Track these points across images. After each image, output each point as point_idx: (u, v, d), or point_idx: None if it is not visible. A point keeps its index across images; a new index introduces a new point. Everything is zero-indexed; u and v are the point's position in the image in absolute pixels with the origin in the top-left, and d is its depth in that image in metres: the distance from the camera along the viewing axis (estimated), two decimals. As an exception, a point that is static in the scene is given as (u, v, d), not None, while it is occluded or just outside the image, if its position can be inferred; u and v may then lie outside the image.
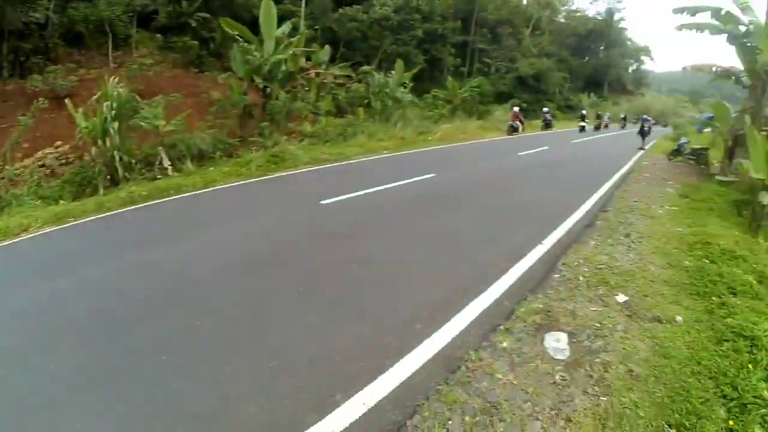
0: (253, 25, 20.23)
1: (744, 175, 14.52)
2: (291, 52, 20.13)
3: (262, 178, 13.62)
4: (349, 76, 28.53)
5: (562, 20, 67.87)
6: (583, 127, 34.55)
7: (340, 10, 37.93)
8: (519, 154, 19.10)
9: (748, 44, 13.82)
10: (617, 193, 11.78)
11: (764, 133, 12.47)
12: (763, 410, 3.52)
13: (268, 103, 20.18)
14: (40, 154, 17.38)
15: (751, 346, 4.28)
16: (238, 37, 19.44)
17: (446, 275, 6.05)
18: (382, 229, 8.35)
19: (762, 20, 13.41)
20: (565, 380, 3.85)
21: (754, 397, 3.64)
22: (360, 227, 8.54)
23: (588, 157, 20.05)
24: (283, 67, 20.32)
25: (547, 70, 45.85)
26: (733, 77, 15.16)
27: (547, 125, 35.02)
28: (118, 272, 6.60)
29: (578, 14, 69.06)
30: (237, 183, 12.98)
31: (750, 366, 3.98)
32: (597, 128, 38.11)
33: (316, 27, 35.27)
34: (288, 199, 11.36)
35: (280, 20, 20.80)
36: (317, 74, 24.94)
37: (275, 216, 9.43)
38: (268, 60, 19.23)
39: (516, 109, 31.52)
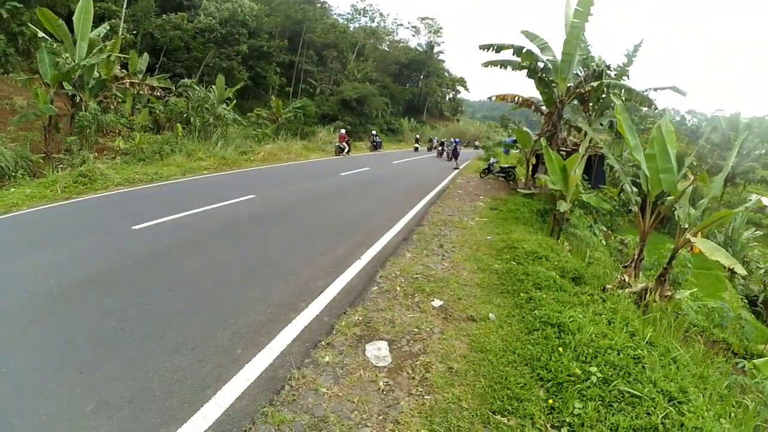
0: (69, 22, 17.39)
1: (545, 187, 16.52)
2: (105, 56, 18.15)
3: (70, 200, 12.12)
4: (168, 89, 26.54)
5: (386, 48, 71.97)
6: (417, 147, 41.31)
7: (164, 16, 36.09)
8: (341, 174, 19.36)
9: (546, 78, 16.09)
10: (432, 209, 12.55)
11: (562, 153, 14.87)
12: (579, 386, 3.80)
13: (77, 115, 17.67)
14: None
15: (559, 332, 4.71)
16: (46, 36, 17.13)
17: (266, 295, 5.77)
18: (197, 252, 7.63)
19: (558, 58, 15.31)
20: (389, 385, 3.96)
21: (568, 375, 3.94)
22: (174, 251, 7.66)
23: (408, 176, 21.32)
24: (96, 74, 18.37)
25: (370, 95, 47.83)
26: (533, 105, 17.63)
27: (375, 147, 36.65)
28: None
29: (401, 44, 73.85)
30: (41, 207, 11.19)
31: (560, 349, 4.33)
32: (429, 149, 42.33)
33: (135, 32, 33.24)
34: (97, 224, 9.76)
35: (99, 20, 18.72)
36: (132, 84, 22.96)
37: (83, 243, 7.89)
38: (79, 64, 17.02)
39: (342, 131, 32.53)
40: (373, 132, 38.73)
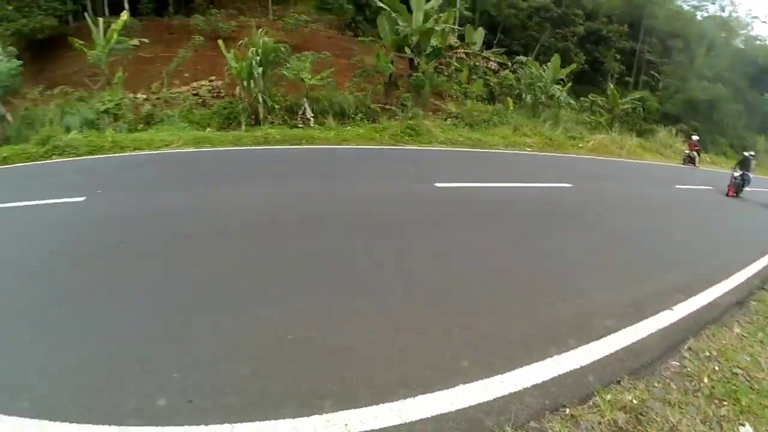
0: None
1: None
2: (440, 27, 19.42)
3: (393, 147, 12.97)
4: (503, 64, 26.89)
5: (741, 45, 60.19)
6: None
7: (500, -5, 36.36)
8: (677, 186, 15.88)
9: None
10: None
11: None
12: None
13: (413, 75, 19.42)
14: (195, 84, 18.29)
15: None
16: (385, 7, 18.86)
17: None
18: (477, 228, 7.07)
19: None
20: None
21: None
22: (457, 218, 7.35)
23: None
24: (433, 42, 19.58)
25: (722, 99, 40.36)
26: None
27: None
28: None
29: (759, 42, 60.75)
30: (367, 147, 12.37)
31: None
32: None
33: (474, 8, 34.32)
34: (406, 173, 10.33)
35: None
36: (468, 55, 23.60)
37: (381, 187, 8.65)
38: (415, 31, 18.63)
39: (695, 137, 26.81)
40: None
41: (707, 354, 4.23)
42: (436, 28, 19.12)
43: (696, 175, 21.70)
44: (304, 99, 16.17)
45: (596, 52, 39.06)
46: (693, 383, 3.75)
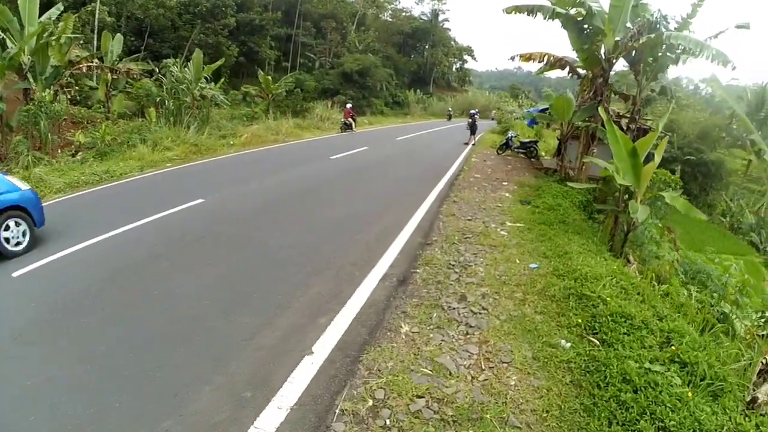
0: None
1: (584, 170, 13.83)
2: (53, 39, 16.09)
3: None
4: (150, 71, 24.50)
5: (389, 18, 68.61)
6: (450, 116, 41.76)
7: (146, -6, 33.38)
8: (332, 157, 16.75)
9: (588, 30, 12.83)
10: (445, 207, 9.64)
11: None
12: None
13: (19, 110, 15.52)
14: None
15: None
16: None
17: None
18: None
19: (603, 6, 12.38)
20: None
21: None
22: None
23: (412, 157, 18.49)
24: (53, 60, 16.43)
25: (373, 66, 44.88)
26: (567, 66, 14.02)
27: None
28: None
29: (404, 14, 70.13)
30: None
31: None
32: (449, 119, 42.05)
33: (118, 14, 30.82)
34: None
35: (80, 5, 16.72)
36: (103, 68, 20.61)
37: None
38: (22, 51, 15.13)
39: (348, 105, 29.75)
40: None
41: (373, 395, 3.67)
42: (52, 42, 15.72)
43: (354, 139, 23.48)
44: None
45: (251, 43, 39.12)
46: None
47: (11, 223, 7.16)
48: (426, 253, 6.88)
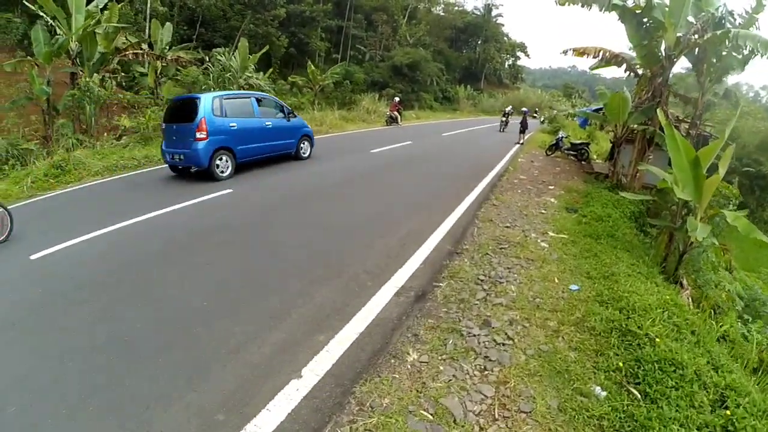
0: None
1: (638, 177, 12.69)
2: (101, 27, 16.37)
3: (33, 199, 10.06)
4: (200, 60, 24.43)
5: (440, 12, 67.57)
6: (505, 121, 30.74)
7: (198, -17, 33.68)
8: (372, 150, 16.16)
9: (648, 22, 11.57)
10: (483, 211, 8.74)
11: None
12: None
13: (66, 94, 15.98)
14: None
15: None
16: (41, 13, 15.40)
17: None
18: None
19: None
20: None
21: None
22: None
23: (456, 154, 17.57)
24: (99, 48, 16.54)
25: (423, 60, 44.11)
26: (624, 63, 12.81)
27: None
28: None
29: (456, 8, 69.08)
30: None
31: None
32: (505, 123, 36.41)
33: (171, 2, 31.20)
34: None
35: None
36: (152, 56, 20.78)
37: None
38: (70, 38, 15.43)
39: (396, 99, 29.19)
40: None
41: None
42: (98, 30, 16.08)
43: (398, 133, 22.66)
44: None
45: (301, 34, 38.98)
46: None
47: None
48: (454, 263, 6.03)
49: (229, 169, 11.22)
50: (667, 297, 5.08)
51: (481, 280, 5.48)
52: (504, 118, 27.14)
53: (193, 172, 11.57)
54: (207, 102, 10.91)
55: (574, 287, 5.32)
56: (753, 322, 7.82)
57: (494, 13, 68.42)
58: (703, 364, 3.74)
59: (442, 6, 68.75)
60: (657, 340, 3.96)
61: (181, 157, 10.88)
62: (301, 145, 13.76)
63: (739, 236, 9.63)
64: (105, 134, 16.48)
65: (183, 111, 11.07)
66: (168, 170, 12.09)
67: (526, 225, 7.94)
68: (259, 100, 12.64)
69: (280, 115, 13.20)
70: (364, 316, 4.58)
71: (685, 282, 7.43)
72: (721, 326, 5.92)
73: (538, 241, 7.06)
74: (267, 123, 12.50)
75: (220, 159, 11.00)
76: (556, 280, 5.53)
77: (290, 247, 6.57)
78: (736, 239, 12.89)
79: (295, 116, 13.96)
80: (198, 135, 10.54)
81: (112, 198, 9.95)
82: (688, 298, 6.82)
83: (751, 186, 24.68)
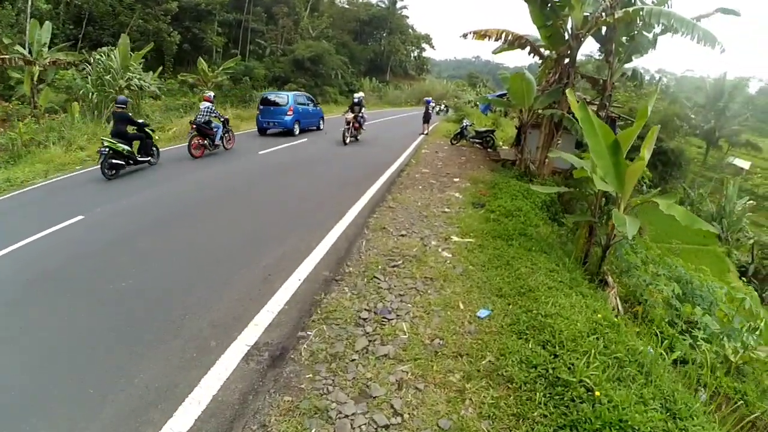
0: None
1: (546, 163, 12.46)
2: None
3: None
4: (85, 62, 21.68)
5: (345, 5, 66.65)
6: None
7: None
8: (260, 152, 14.89)
9: (553, 1, 11.39)
10: (376, 216, 7.89)
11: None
12: None
13: None
14: None
15: None
16: None
17: None
18: None
19: None
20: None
21: None
22: None
23: (354, 149, 16.55)
24: None
25: (326, 53, 43.04)
26: (528, 45, 12.35)
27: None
28: None
29: (361, 1, 68.54)
30: None
31: None
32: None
33: (58, 1, 28.40)
34: None
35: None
36: (26, 61, 18.21)
37: None
38: None
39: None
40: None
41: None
42: None
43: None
44: None
45: (196, 29, 36.76)
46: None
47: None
48: (330, 298, 4.90)
49: (297, 131, 19.59)
50: (600, 316, 4.40)
51: (364, 320, 4.47)
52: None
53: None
54: (291, 97, 19.76)
55: (483, 313, 4.56)
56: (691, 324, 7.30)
57: (399, 5, 68.54)
58: (659, 419, 3.04)
59: (345, -3, 67.88)
60: (596, 392, 3.17)
61: (275, 123, 19.25)
62: (320, 122, 22.33)
63: (647, 210, 9.43)
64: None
65: (275, 100, 19.58)
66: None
67: (426, 230, 7.28)
68: (307, 96, 22.21)
69: (311, 105, 21.77)
70: (196, 399, 3.38)
71: (610, 280, 6.92)
72: (668, 344, 5.22)
73: (439, 250, 6.37)
74: (310, 108, 21.31)
75: (296, 125, 19.36)
76: (461, 305, 4.73)
77: (119, 294, 5.16)
78: (643, 213, 12.84)
79: (318, 105, 22.93)
80: (288, 113, 19.09)
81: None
82: (615, 298, 6.46)
83: (654, 162, 26.17)
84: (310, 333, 4.23)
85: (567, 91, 8.85)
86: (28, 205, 9.67)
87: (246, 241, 6.82)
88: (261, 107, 19.30)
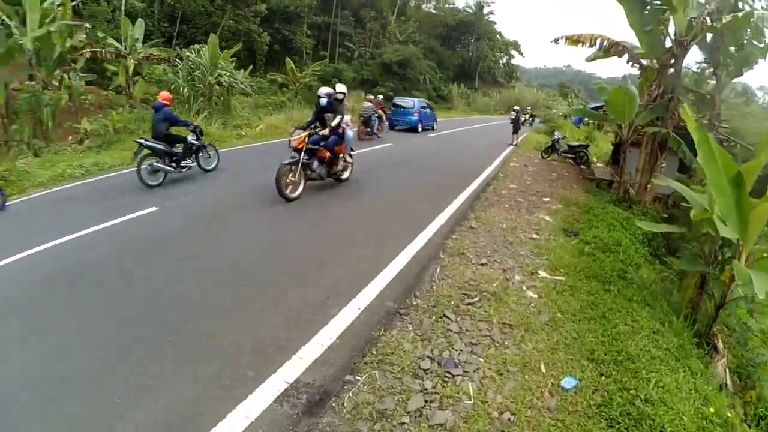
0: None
1: (648, 189, 10.90)
2: (56, 27, 14.78)
3: None
4: (178, 57, 22.38)
5: (432, 10, 65.96)
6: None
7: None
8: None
9: (652, 2, 9.79)
10: (455, 237, 6.80)
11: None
12: None
13: (20, 96, 14.46)
14: None
15: None
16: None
17: None
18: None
19: None
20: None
21: None
22: None
23: (439, 158, 15.53)
24: (58, 47, 15.06)
25: (414, 57, 42.34)
26: (626, 53, 10.90)
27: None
28: None
29: (448, 5, 67.41)
30: None
31: None
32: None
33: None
34: None
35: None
36: (119, 55, 18.88)
37: None
38: (19, 38, 13.98)
39: (371, 96, 22.70)
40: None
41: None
42: (52, 28, 14.47)
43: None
44: None
45: (285, 30, 37.28)
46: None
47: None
48: (389, 336, 4.05)
49: (421, 129, 23.88)
50: (711, 410, 3.32)
51: (425, 371, 3.61)
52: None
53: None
54: (417, 102, 24.48)
55: (568, 383, 3.51)
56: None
57: (486, 10, 66.83)
58: None
59: (433, 3, 67.17)
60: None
61: (405, 122, 23.50)
62: (435, 123, 26.25)
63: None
64: (69, 138, 15.00)
65: (403, 105, 24.22)
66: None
67: (510, 259, 6.09)
68: (426, 102, 26.52)
69: (429, 109, 25.75)
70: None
71: (720, 345, 5.38)
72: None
73: (524, 288, 5.22)
74: (428, 112, 25.48)
75: (419, 124, 23.76)
76: (543, 368, 3.72)
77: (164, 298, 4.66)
78: (763, 266, 10.57)
79: (433, 109, 27.37)
80: (415, 114, 23.53)
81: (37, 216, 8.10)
82: (725, 371, 4.98)
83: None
84: (359, 378, 3.48)
85: (684, 107, 7.39)
86: (107, 189, 9.74)
87: (303, 259, 5.92)
88: (393, 108, 24.15)
